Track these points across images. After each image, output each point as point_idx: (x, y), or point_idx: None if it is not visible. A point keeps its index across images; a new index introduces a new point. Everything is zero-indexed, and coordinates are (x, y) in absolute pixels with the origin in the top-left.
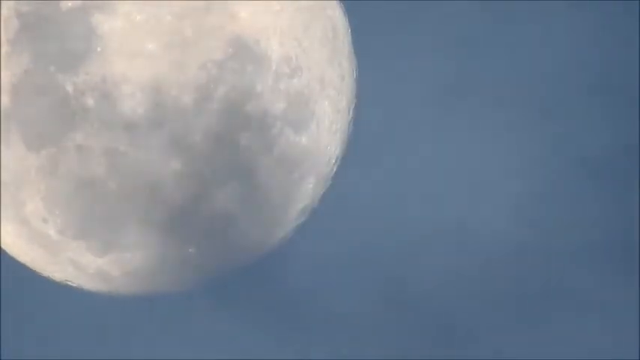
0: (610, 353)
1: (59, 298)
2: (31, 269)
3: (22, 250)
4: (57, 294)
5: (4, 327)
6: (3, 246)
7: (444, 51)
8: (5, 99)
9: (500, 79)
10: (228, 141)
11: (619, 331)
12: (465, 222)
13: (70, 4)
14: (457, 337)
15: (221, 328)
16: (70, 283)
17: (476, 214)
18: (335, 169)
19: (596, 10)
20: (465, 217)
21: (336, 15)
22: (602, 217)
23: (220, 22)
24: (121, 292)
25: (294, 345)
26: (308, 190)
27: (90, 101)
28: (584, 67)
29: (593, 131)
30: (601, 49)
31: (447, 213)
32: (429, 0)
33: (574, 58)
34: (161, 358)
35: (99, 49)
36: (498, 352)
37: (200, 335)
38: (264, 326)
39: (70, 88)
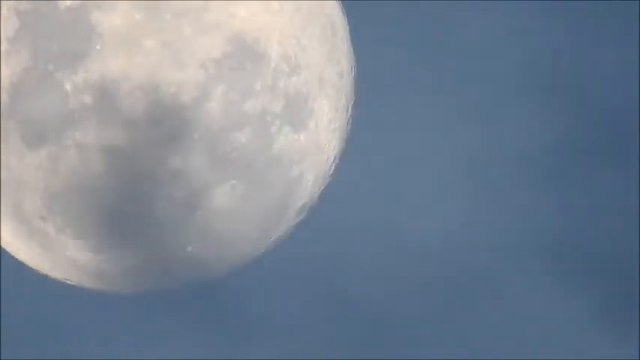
0: (541, 353)
1: (59, 298)
2: (31, 268)
3: (20, 249)
4: (57, 294)
5: (4, 327)
6: (2, 244)
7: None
8: (4, 97)
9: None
10: (227, 139)
11: (546, 328)
12: (397, 221)
13: (68, 2)
14: (389, 336)
15: (157, 329)
16: (68, 281)
17: (407, 213)
18: (334, 167)
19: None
20: (395, 217)
21: (335, 13)
22: (532, 216)
23: (219, 20)
24: (119, 290)
25: (229, 347)
26: (307, 188)
27: (89, 99)
28: (512, 67)
29: (521, 131)
30: (529, 49)
31: (376, 212)
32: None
33: (501, 58)
34: (162, 358)
35: (98, 47)
36: (433, 351)
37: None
38: (199, 326)
39: (69, 87)
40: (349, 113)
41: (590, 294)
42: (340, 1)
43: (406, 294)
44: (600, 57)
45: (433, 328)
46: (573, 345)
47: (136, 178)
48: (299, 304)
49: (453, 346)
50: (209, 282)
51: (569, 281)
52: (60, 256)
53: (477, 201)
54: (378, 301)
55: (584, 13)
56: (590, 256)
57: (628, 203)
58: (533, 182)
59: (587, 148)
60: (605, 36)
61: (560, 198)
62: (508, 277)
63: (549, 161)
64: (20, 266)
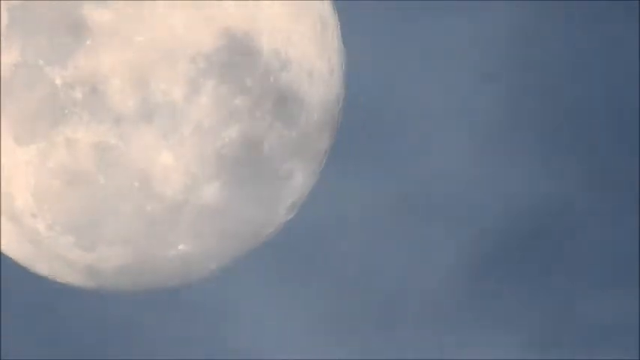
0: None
1: (59, 298)
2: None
3: (11, 246)
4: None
5: (5, 327)
6: None
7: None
8: None
9: None
10: (218, 135)
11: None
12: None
13: None
14: None
15: None
16: (59, 279)
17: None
18: (324, 163)
19: None
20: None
21: (326, 9)
22: None
23: (210, 15)
24: (110, 288)
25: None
26: (297, 185)
27: (79, 95)
28: None
29: None
30: None
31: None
32: None
33: None
34: (163, 357)
35: (88, 42)
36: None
37: None
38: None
39: (59, 82)
40: (339, 109)
41: None
42: None
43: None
44: None
45: None
46: None
47: (126, 175)
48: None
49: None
50: (199, 280)
51: None
52: (50, 253)
53: None
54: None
55: None
56: None
57: None
58: None
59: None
60: None
61: None
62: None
63: None
64: (20, 266)
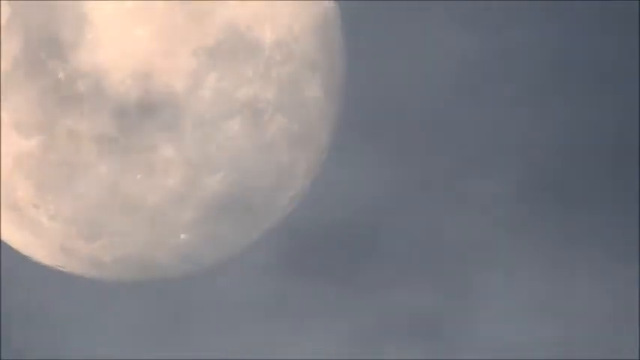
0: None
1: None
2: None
3: (13, 236)
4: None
5: (4, 327)
6: None
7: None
8: None
9: None
10: (219, 127)
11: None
12: None
13: None
14: None
15: None
16: (61, 268)
17: None
18: (324, 156)
19: None
20: None
21: (327, 2)
22: None
23: (211, 8)
24: (112, 278)
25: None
26: (298, 176)
27: (81, 88)
28: None
29: None
30: None
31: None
32: None
33: None
34: (165, 357)
35: (90, 35)
36: None
37: None
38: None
39: (61, 75)
40: (340, 102)
41: None
42: None
43: None
44: None
45: None
46: None
47: (128, 167)
48: None
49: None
50: (202, 270)
51: None
52: (52, 243)
53: None
54: None
55: None
56: None
57: None
58: None
59: None
60: None
61: None
62: None
63: None
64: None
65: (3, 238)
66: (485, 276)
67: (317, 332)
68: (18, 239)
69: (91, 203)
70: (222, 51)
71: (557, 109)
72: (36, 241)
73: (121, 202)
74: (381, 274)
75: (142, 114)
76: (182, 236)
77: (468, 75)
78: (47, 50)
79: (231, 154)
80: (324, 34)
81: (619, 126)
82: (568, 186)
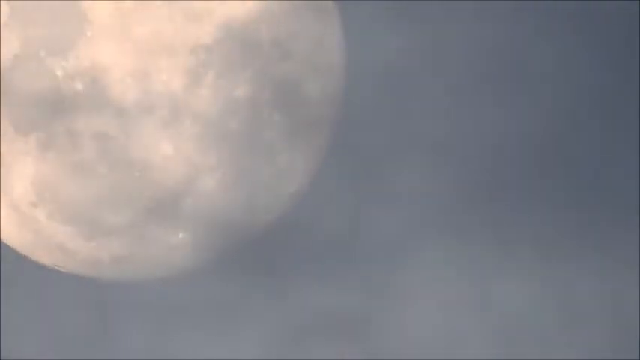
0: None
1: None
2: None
3: (11, 235)
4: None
5: (4, 327)
6: None
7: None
8: None
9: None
10: (218, 125)
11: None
12: None
13: None
14: None
15: None
16: (59, 267)
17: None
18: (324, 154)
19: None
20: None
21: (327, 1)
22: None
23: (210, 6)
24: (110, 277)
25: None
26: (297, 174)
27: (80, 86)
28: None
29: None
30: None
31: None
32: None
33: None
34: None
35: (89, 33)
36: None
37: None
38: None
39: (59, 73)
40: (339, 99)
41: None
42: None
43: None
44: None
45: None
46: None
47: (126, 165)
48: None
49: None
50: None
51: None
52: (51, 242)
53: None
54: None
55: None
56: None
57: None
58: None
59: None
60: None
61: None
62: None
63: None
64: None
65: (2, 237)
66: (411, 274)
67: (242, 333)
68: (17, 238)
69: (89, 202)
70: (221, 49)
71: (490, 107)
72: (34, 239)
73: (119, 201)
74: (306, 273)
75: (141, 112)
76: (181, 235)
77: (398, 69)
78: (46, 48)
79: (229, 152)
80: (322, 31)
81: (551, 126)
82: (498, 185)
